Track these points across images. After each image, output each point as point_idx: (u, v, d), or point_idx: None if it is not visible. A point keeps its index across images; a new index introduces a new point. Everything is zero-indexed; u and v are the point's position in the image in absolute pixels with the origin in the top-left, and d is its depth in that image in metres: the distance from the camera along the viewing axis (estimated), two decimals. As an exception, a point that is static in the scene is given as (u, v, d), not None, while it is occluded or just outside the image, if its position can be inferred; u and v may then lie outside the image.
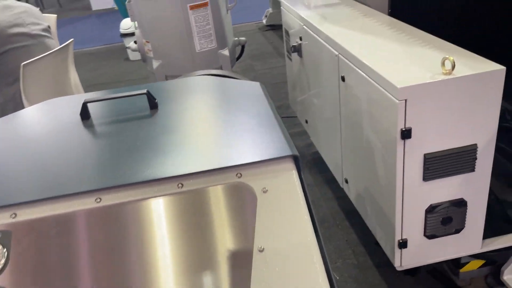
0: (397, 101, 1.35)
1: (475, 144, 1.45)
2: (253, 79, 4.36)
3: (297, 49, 2.44)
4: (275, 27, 5.94)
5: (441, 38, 1.66)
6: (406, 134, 1.39)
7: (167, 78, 3.08)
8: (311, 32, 2.15)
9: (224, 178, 0.90)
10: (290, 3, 2.60)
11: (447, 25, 2.13)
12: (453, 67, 1.34)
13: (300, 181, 0.90)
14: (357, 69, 1.64)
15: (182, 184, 0.90)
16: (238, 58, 3.44)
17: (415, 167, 1.45)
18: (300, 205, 0.85)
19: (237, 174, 0.91)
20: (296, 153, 0.94)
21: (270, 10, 5.92)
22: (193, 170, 0.91)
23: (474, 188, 1.52)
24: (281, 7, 2.73)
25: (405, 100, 1.35)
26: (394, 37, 1.75)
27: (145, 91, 1.20)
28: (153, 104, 1.23)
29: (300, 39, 2.37)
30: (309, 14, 2.28)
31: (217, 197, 0.90)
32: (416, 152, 1.43)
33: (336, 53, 1.82)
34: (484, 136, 1.44)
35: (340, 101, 1.88)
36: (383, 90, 1.44)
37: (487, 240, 1.67)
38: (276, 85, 4.18)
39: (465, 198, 1.53)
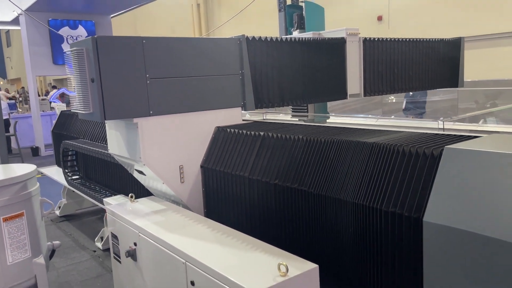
0: (255, 303, 1.68)
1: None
2: (57, 279, 4.05)
3: (131, 254, 2.59)
4: (70, 217, 5.80)
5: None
6: (264, 329, 1.70)
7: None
8: (150, 240, 2.38)
9: None
10: (117, 209, 2.81)
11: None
12: (287, 269, 1.79)
13: None
14: (208, 276, 1.93)
15: None
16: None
17: None
18: None
19: None
20: None
21: (64, 200, 5.81)
22: None
23: None
24: (107, 213, 2.89)
25: (261, 301, 1.69)
26: (229, 243, 2.16)
27: None
28: None
29: (135, 244, 2.55)
30: (144, 222, 2.54)
31: None
32: None
33: (183, 260, 2.09)
34: (314, 318, 1.88)
35: (190, 303, 2.09)
36: (239, 294, 1.76)
37: None
38: (86, 283, 3.97)
39: None
